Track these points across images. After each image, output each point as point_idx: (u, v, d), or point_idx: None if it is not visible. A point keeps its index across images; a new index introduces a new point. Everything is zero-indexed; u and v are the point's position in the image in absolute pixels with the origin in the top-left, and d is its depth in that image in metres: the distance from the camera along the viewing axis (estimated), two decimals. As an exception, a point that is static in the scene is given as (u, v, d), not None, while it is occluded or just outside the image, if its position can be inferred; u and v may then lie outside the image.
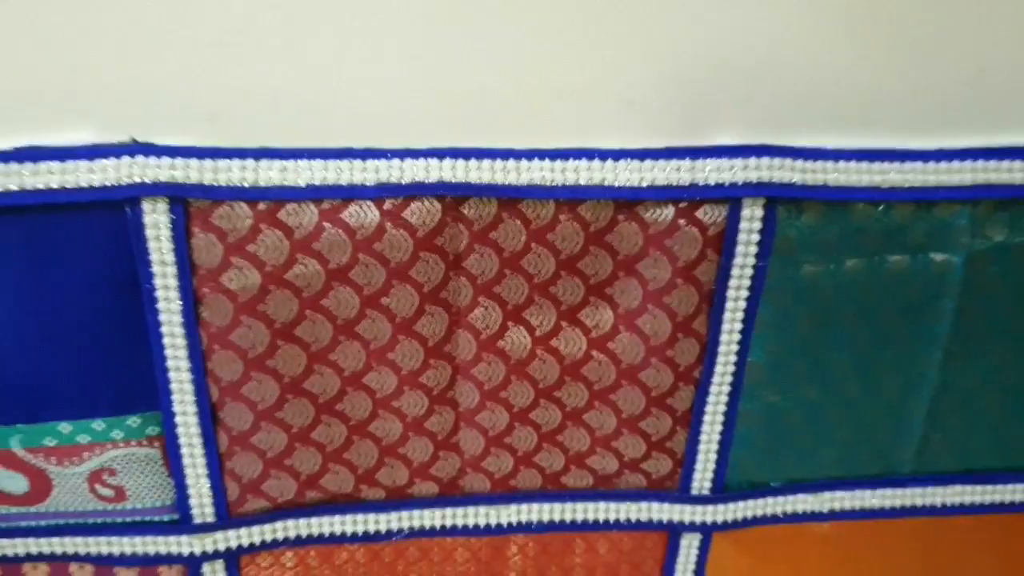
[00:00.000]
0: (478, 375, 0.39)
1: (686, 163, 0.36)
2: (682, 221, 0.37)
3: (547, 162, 0.36)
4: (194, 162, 0.34)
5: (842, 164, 0.37)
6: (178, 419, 0.38)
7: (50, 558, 0.41)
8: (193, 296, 0.36)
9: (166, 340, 0.36)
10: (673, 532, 0.43)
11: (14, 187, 0.34)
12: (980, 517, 0.45)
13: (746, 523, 0.43)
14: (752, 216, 0.37)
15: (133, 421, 0.38)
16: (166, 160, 0.34)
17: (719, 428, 0.41)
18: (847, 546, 0.45)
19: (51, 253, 0.35)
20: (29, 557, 0.40)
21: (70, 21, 0.32)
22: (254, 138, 0.34)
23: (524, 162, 0.36)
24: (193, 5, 0.32)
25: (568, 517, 0.43)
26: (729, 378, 0.40)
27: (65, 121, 0.34)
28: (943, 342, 0.40)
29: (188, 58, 0.33)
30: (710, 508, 0.43)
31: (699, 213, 0.37)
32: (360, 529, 0.42)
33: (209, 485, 0.39)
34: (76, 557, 0.40)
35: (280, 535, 0.41)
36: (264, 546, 0.41)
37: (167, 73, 0.33)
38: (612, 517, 0.43)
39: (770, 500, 0.43)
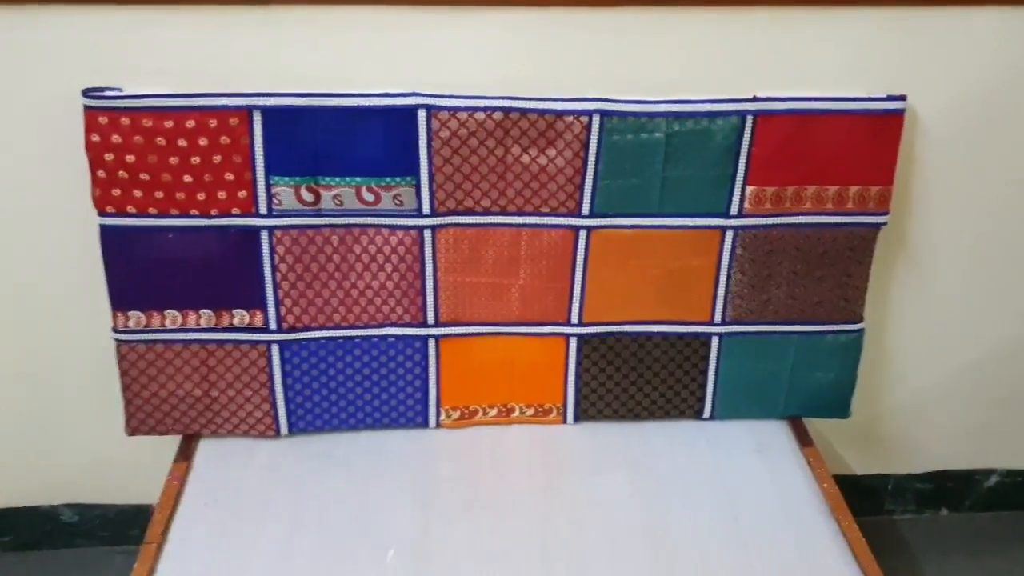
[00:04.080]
0: (513, 170, 1.22)
1: (576, 103, 1.18)
2: (575, 121, 1.19)
3: (537, 102, 1.18)
4: (434, 99, 1.17)
5: (625, 105, 1.19)
6: (421, 178, 1.21)
7: (376, 226, 1.25)
8: (430, 139, 1.19)
9: (420, 151, 1.20)
10: (576, 230, 1.26)
11: (382, 104, 1.17)
12: (686, 231, 1.27)
13: (602, 227, 1.26)
14: (596, 121, 1.19)
15: (409, 179, 1.21)
16: (426, 98, 1.17)
17: (591, 191, 1.23)
18: (636, 240, 1.27)
19: (392, 124, 1.18)
20: (371, 225, 1.25)
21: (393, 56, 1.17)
22: (450, 91, 1.18)
23: (529, 101, 1.18)
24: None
25: (542, 222, 1.25)
26: (593, 173, 1.22)
27: (398, 86, 1.18)
28: (661, 163, 1.22)
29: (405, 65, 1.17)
30: (589, 220, 1.25)
31: (581, 118, 1.19)
32: (474, 222, 1.25)
33: (429, 201, 1.23)
34: (385, 225, 1.24)
35: (449, 222, 1.25)
36: (443, 226, 1.25)
37: (426, 79, 1.17)
38: (557, 223, 1.25)
39: (609, 219, 1.25)
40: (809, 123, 1.21)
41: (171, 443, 1.34)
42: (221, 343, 1.29)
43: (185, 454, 1.32)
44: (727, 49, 1.20)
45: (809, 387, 1.37)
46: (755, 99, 1.19)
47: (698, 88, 1.19)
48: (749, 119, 1.20)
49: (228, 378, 1.30)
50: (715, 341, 1.34)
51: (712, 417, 1.38)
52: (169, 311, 1.26)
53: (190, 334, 1.27)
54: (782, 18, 1.18)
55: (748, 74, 1.21)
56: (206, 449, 1.33)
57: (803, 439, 1.36)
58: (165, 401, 1.30)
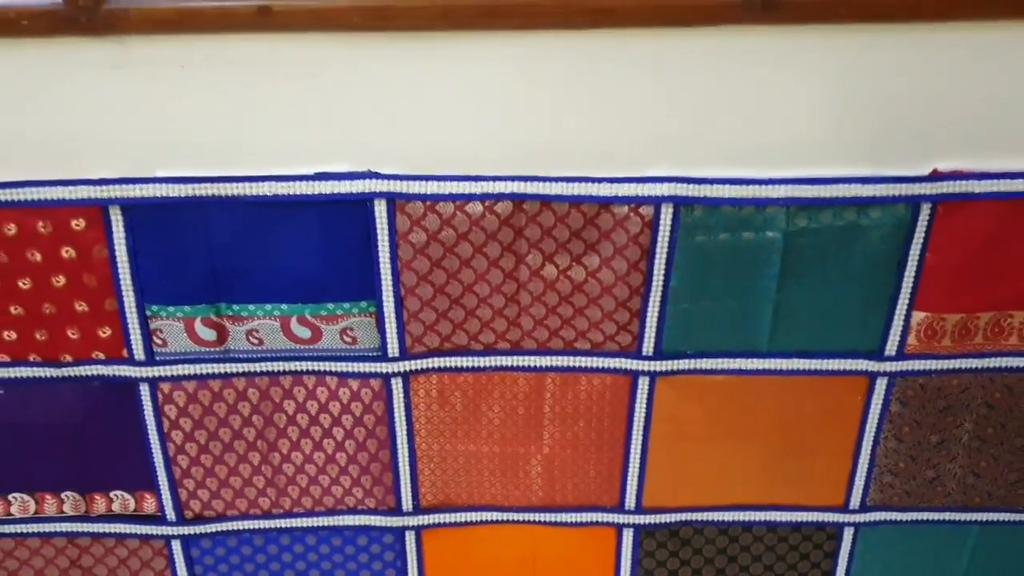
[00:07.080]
0: (531, 289, 0.77)
1: (633, 185, 0.72)
2: (632, 214, 0.73)
3: (566, 184, 0.73)
4: (399, 182, 0.72)
5: (715, 186, 0.72)
6: (384, 304, 0.77)
7: (316, 373, 0.81)
8: (395, 245, 0.74)
9: (381, 264, 0.75)
10: (634, 376, 0.81)
11: (316, 192, 0.73)
12: (811, 378, 0.81)
13: (674, 373, 0.80)
14: (667, 212, 0.73)
15: (363, 304, 0.77)
16: (386, 181, 0.72)
17: (656, 319, 0.78)
18: (731, 391, 0.82)
19: (333, 223, 0.74)
20: (308, 372, 0.81)
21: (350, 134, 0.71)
22: (425, 170, 0.73)
23: (554, 184, 0.72)
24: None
25: (578, 364, 0.80)
26: (660, 292, 0.76)
27: (342, 162, 0.73)
28: (776, 278, 0.76)
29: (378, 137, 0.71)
30: (654, 363, 0.80)
31: (641, 209, 0.73)
32: (470, 365, 0.81)
33: (397, 337, 0.78)
34: (330, 372, 0.80)
35: (430, 365, 0.80)
36: (422, 371, 0.80)
37: (385, 149, 0.72)
38: (601, 365, 0.80)
39: (686, 361, 0.80)
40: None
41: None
42: (97, 536, 0.87)
43: None
44: (888, 92, 0.71)
45: (990, 598, 0.91)
46: (935, 176, 0.72)
47: (839, 158, 0.74)
48: (925, 209, 0.73)
49: (113, 584, 0.89)
50: (847, 534, 0.89)
51: (837, 638, 0.93)
52: (16, 495, 0.85)
53: (50, 525, 0.87)
54: (979, 38, 0.69)
55: (922, 135, 0.73)
56: (91, 677, 0.92)
57: None
58: (25, 614, 0.90)
